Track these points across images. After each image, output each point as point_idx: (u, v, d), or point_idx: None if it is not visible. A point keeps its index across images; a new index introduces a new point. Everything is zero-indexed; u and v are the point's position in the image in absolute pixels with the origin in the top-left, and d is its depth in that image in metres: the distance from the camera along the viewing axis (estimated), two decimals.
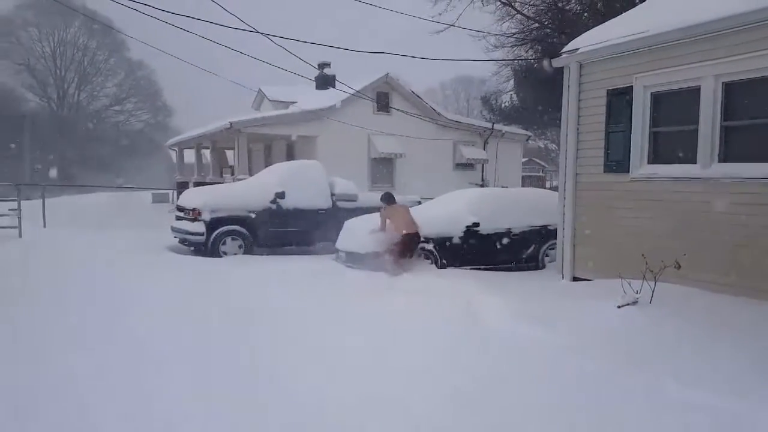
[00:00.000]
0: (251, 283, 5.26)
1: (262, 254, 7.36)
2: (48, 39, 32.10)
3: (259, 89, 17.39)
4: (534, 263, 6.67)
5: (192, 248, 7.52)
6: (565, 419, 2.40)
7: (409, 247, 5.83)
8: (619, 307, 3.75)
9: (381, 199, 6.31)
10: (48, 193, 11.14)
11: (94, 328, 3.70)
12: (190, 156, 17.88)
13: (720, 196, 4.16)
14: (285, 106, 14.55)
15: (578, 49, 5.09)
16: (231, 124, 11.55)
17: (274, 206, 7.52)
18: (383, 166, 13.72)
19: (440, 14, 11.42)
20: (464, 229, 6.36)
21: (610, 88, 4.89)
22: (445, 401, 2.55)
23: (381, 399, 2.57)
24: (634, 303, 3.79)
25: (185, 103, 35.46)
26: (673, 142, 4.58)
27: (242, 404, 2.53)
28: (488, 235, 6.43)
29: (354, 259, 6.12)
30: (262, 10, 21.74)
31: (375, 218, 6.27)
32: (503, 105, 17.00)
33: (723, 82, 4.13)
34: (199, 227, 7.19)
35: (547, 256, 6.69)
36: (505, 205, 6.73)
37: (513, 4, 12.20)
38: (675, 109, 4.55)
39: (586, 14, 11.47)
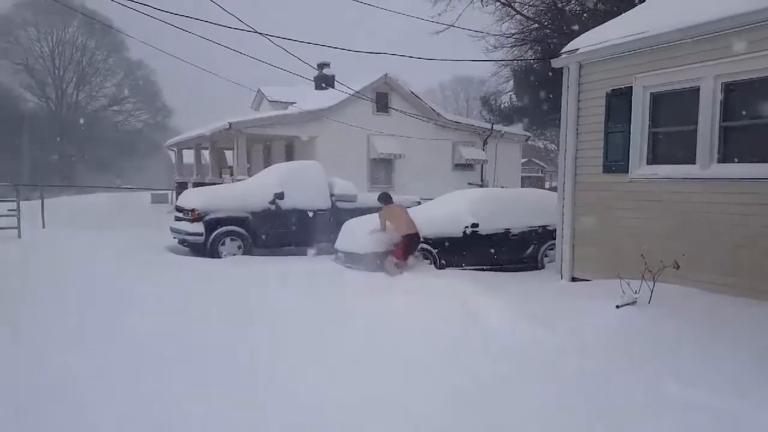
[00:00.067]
0: (250, 283, 5.26)
1: (261, 255, 7.35)
2: (47, 39, 32.06)
3: (258, 89, 17.38)
4: (533, 264, 6.67)
5: (190, 249, 7.51)
6: (565, 419, 2.40)
7: (410, 247, 5.83)
8: (618, 307, 3.76)
9: (378, 199, 6.31)
10: (47, 193, 11.13)
11: (94, 328, 3.69)
12: (189, 156, 17.87)
13: (719, 196, 4.17)
14: (284, 106, 14.54)
15: (578, 49, 5.10)
16: (230, 124, 11.54)
17: (273, 207, 7.52)
18: (382, 167, 13.73)
19: (440, 14, 11.45)
20: (463, 229, 6.37)
21: (610, 88, 4.90)
22: (445, 401, 2.55)
23: (381, 399, 2.57)
24: (633, 303, 3.80)
25: (184, 104, 35.47)
26: (672, 143, 4.59)
27: (242, 404, 2.53)
28: (487, 235, 6.43)
29: (353, 260, 6.12)
30: (261, 10, 21.77)
31: (374, 219, 6.27)
32: (502, 105, 17.01)
33: (722, 83, 4.13)
34: (198, 228, 7.18)
35: (546, 256, 6.70)
36: (504, 205, 6.74)
37: (512, 4, 12.23)
38: (674, 110, 4.56)
39: (585, 15, 11.49)
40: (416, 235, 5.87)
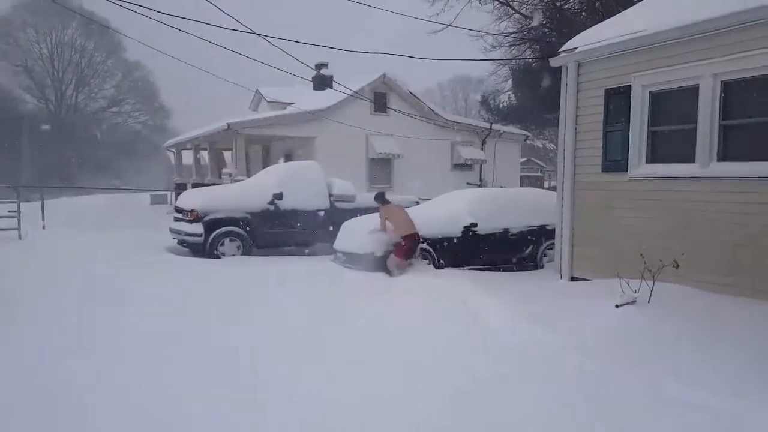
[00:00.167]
0: (249, 283, 5.25)
1: (260, 255, 7.35)
2: (45, 40, 32.04)
3: (257, 90, 17.37)
4: (532, 263, 6.67)
5: (190, 249, 7.50)
6: (565, 419, 2.39)
7: (412, 247, 5.82)
8: (617, 306, 3.75)
9: (375, 199, 6.29)
10: (47, 194, 11.12)
11: (94, 328, 3.69)
12: (188, 157, 17.86)
13: (719, 195, 4.16)
14: (283, 106, 14.53)
15: (576, 48, 5.10)
16: (228, 125, 11.53)
17: (272, 207, 7.51)
18: (381, 167, 13.72)
19: (438, 14, 11.46)
20: (462, 229, 6.36)
21: (609, 87, 4.90)
22: (445, 401, 2.55)
23: (381, 399, 2.57)
24: (633, 303, 3.79)
25: (183, 105, 35.48)
26: (671, 142, 4.59)
27: (242, 404, 2.53)
28: (486, 235, 6.43)
29: (352, 260, 6.11)
30: (258, 10, 21.74)
31: (373, 219, 6.26)
32: (501, 105, 17.02)
33: (722, 81, 4.13)
34: (198, 228, 7.18)
35: (545, 256, 6.69)
36: (503, 205, 6.73)
37: (511, 3, 12.22)
38: (673, 108, 4.55)
39: (584, 13, 11.49)
40: (416, 234, 5.86)
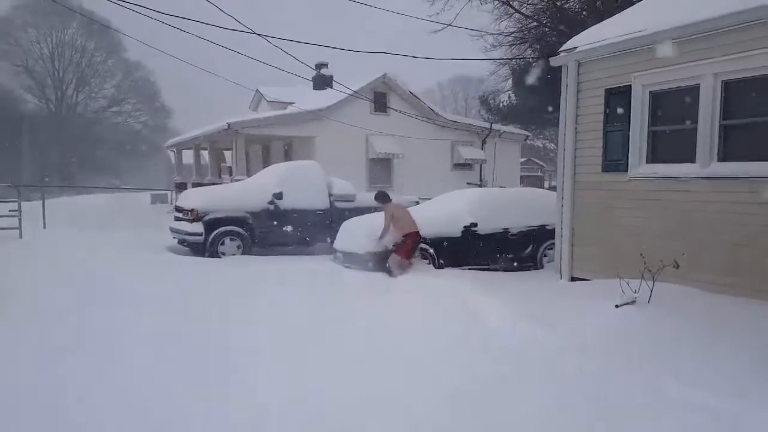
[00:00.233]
0: (249, 283, 5.26)
1: (260, 255, 7.35)
2: (46, 40, 32.07)
3: (257, 90, 17.37)
4: (532, 263, 6.67)
5: (190, 248, 7.50)
6: (565, 419, 2.39)
7: (414, 247, 5.80)
8: (617, 306, 3.75)
9: (375, 198, 6.24)
10: (47, 194, 11.13)
11: (94, 327, 3.69)
12: (188, 157, 17.88)
13: (719, 195, 4.16)
14: (283, 106, 14.53)
15: (576, 47, 5.09)
16: (229, 125, 11.54)
17: (272, 207, 7.52)
18: (381, 167, 13.72)
19: (438, 14, 11.45)
20: (462, 229, 6.36)
21: (609, 87, 4.89)
22: (445, 401, 2.55)
23: (381, 399, 2.57)
24: (633, 303, 3.79)
25: (183, 105, 35.48)
26: (671, 141, 4.58)
27: (241, 404, 2.53)
28: (486, 235, 6.43)
29: (352, 260, 6.11)
30: (258, 10, 21.73)
31: (373, 218, 6.25)
32: (501, 104, 17.01)
33: (722, 81, 4.13)
34: (198, 228, 7.18)
35: (545, 256, 6.69)
36: (502, 205, 6.73)
37: (511, 2, 12.21)
38: (674, 108, 4.55)
39: (584, 13, 11.48)
40: (418, 233, 5.84)
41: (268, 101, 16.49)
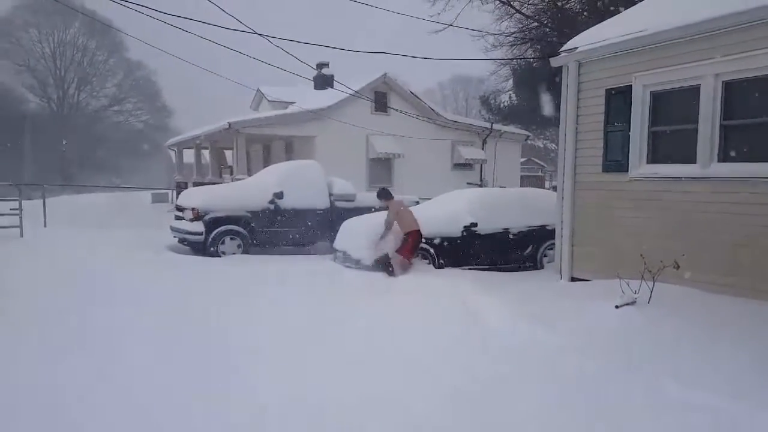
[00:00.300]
0: (250, 282, 5.26)
1: (260, 254, 7.36)
2: (48, 39, 32.14)
3: (258, 89, 17.38)
4: (532, 263, 6.66)
5: (190, 248, 7.51)
6: (565, 419, 2.39)
7: (416, 245, 5.79)
8: (617, 307, 3.75)
9: (378, 196, 6.20)
10: (48, 192, 11.14)
11: (94, 327, 3.69)
12: (189, 156, 17.89)
13: (719, 195, 4.15)
14: (283, 106, 14.54)
15: (577, 48, 5.09)
16: (230, 124, 11.55)
17: (272, 206, 7.52)
18: (381, 167, 13.72)
19: (438, 14, 11.44)
20: (462, 229, 6.35)
21: (609, 87, 4.89)
22: (445, 401, 2.55)
23: (381, 399, 2.57)
24: (633, 303, 3.79)
25: (184, 104, 35.50)
26: (672, 142, 4.58)
27: (241, 404, 2.53)
28: (486, 235, 6.43)
29: (352, 259, 6.11)
30: (259, 10, 21.75)
31: (373, 218, 6.25)
32: (502, 105, 17.00)
33: (723, 81, 4.12)
34: (198, 227, 7.19)
35: (545, 256, 6.69)
36: (503, 205, 6.73)
37: (512, 3, 12.21)
38: (674, 109, 4.54)
39: (585, 13, 11.46)
40: (420, 232, 5.83)
41: (269, 101, 16.50)
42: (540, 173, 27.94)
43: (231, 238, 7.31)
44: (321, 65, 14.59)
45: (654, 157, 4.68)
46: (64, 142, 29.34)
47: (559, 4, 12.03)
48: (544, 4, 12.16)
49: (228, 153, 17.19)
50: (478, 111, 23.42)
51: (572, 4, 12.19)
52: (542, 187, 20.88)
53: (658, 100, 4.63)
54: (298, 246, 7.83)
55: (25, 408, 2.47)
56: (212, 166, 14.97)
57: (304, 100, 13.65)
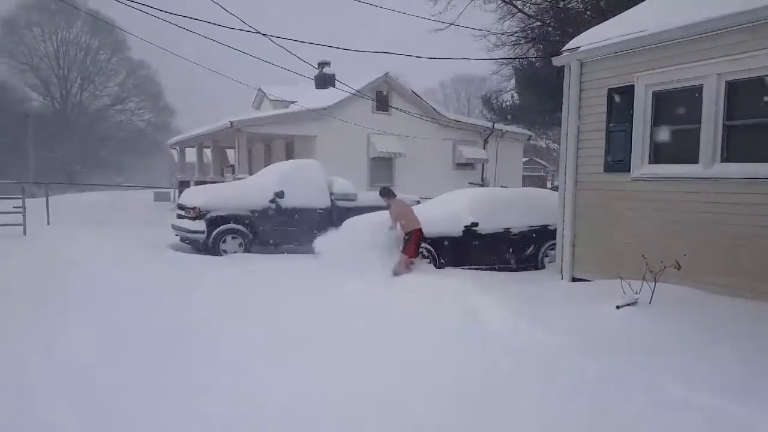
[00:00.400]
0: (250, 281, 5.27)
1: (261, 253, 7.37)
2: (51, 38, 32.27)
3: (259, 89, 17.42)
4: (533, 263, 6.65)
5: (192, 246, 7.54)
6: (565, 419, 2.39)
7: (418, 244, 5.78)
8: (618, 307, 3.74)
9: (380, 194, 6.17)
10: (51, 191, 11.20)
11: (95, 325, 3.71)
12: (191, 155, 17.94)
13: (722, 196, 4.13)
14: (285, 105, 14.56)
15: (579, 47, 5.07)
16: (231, 123, 11.57)
17: (273, 205, 7.54)
18: (382, 166, 13.71)
19: (440, 13, 11.42)
20: (463, 228, 6.34)
21: (611, 86, 4.87)
22: (445, 401, 2.55)
23: (381, 399, 2.57)
24: (634, 303, 3.78)
25: (186, 103, 35.62)
26: (674, 142, 4.56)
27: (241, 403, 2.54)
28: (487, 235, 6.41)
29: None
30: (260, 9, 21.78)
31: (374, 217, 6.24)
32: (504, 104, 16.95)
33: (726, 81, 4.10)
34: (200, 225, 7.21)
35: (546, 256, 6.67)
36: (504, 204, 6.71)
37: (514, 2, 12.17)
38: (677, 108, 4.52)
39: (588, 12, 11.42)
40: (421, 231, 5.82)
41: (270, 100, 16.53)
42: (542, 173, 27.88)
43: (232, 237, 7.32)
44: (322, 64, 14.59)
45: (656, 157, 4.66)
46: (61, 153, 29.49)
47: (562, 3, 11.99)
48: (546, 3, 12.12)
49: (230, 152, 17.22)
50: (479, 110, 23.37)
51: (575, 3, 12.14)
52: (544, 187, 20.83)
53: (661, 100, 4.61)
54: (300, 245, 7.84)
55: (26, 406, 2.48)
56: (214, 165, 15.01)
57: (306, 99, 13.65)
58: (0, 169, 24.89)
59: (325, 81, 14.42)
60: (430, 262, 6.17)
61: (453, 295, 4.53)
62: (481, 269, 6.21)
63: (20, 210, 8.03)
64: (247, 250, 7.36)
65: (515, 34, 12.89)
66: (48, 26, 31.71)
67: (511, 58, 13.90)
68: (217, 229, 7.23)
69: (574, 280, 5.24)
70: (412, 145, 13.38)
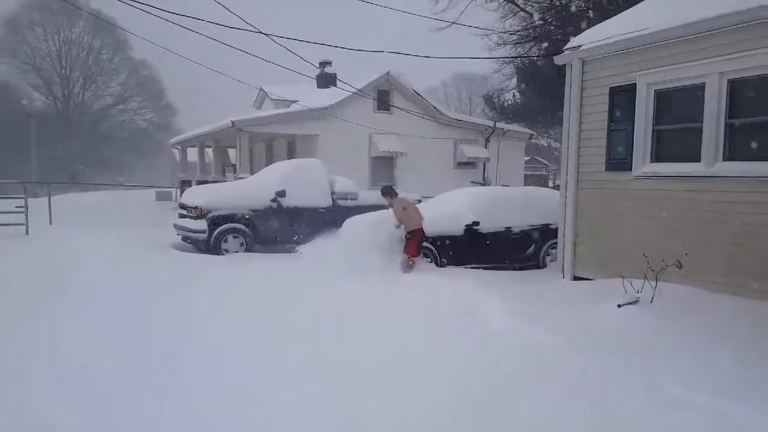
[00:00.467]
0: (251, 280, 5.28)
1: (263, 252, 7.39)
2: (53, 38, 32.35)
3: (261, 88, 17.41)
4: (535, 262, 6.65)
5: (194, 245, 7.56)
6: (565, 419, 2.39)
7: (420, 243, 5.78)
8: (620, 306, 3.73)
9: (382, 193, 6.18)
10: (54, 190, 11.24)
11: (96, 324, 3.72)
12: (193, 154, 17.97)
13: (724, 194, 4.12)
14: (286, 104, 14.56)
15: (581, 46, 5.06)
16: (233, 123, 11.58)
17: (274, 205, 7.55)
18: (384, 165, 13.71)
19: (442, 11, 11.41)
20: (464, 227, 6.34)
21: (613, 85, 4.86)
22: (445, 401, 2.55)
23: (381, 398, 2.57)
24: (635, 302, 3.77)
25: (188, 103, 35.68)
26: (676, 140, 4.54)
27: (241, 403, 2.55)
28: (489, 233, 6.41)
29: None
30: (261, 8, 21.78)
31: (375, 216, 6.24)
32: (506, 103, 16.92)
33: (728, 80, 4.08)
34: (201, 225, 7.23)
35: (548, 255, 6.66)
36: (505, 203, 6.71)
37: (516, 1, 12.13)
38: (679, 107, 4.51)
39: (590, 11, 11.38)
40: (423, 230, 5.81)
41: (271, 99, 16.53)
42: (544, 172, 27.80)
43: (234, 236, 7.33)
44: (324, 64, 14.58)
45: (658, 156, 4.65)
46: (63, 152, 29.58)
47: (564, 1, 11.95)
48: (547, 2, 12.08)
49: (231, 151, 17.24)
50: (481, 109, 23.31)
51: (577, 1, 12.10)
52: (546, 185, 20.78)
53: (662, 98, 4.60)
54: (301, 244, 7.85)
55: (25, 406, 2.50)
56: (216, 164, 15.04)
57: (307, 98, 13.65)
58: (2, 168, 25.01)
59: (326, 80, 14.41)
60: (431, 261, 6.17)
61: (454, 294, 4.53)
62: (483, 268, 6.21)
63: (23, 209, 8.06)
64: (248, 250, 7.37)
65: (517, 33, 12.86)
66: (50, 26, 31.80)
67: (512, 57, 13.87)
68: (219, 229, 7.24)
69: (576, 279, 5.24)
70: (414, 144, 13.37)
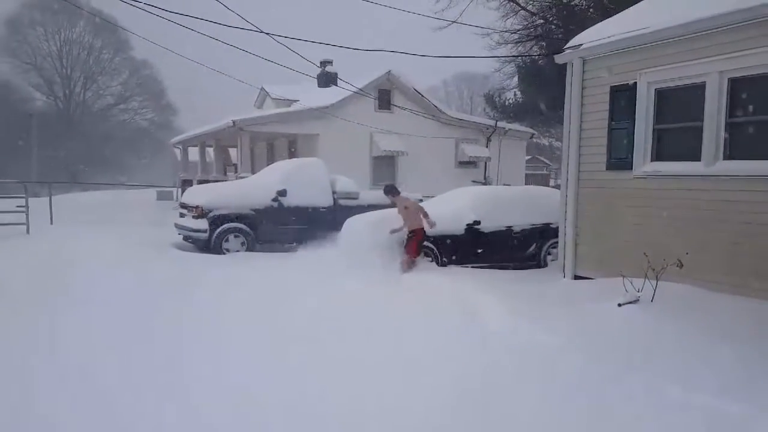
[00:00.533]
0: (251, 280, 5.29)
1: (264, 251, 7.40)
2: (54, 38, 32.40)
3: (262, 87, 17.42)
4: (535, 261, 6.64)
5: (195, 245, 7.57)
6: (565, 419, 2.39)
7: (421, 243, 5.77)
8: (620, 305, 3.73)
9: (385, 192, 6.16)
10: (55, 190, 11.26)
11: (96, 324, 3.73)
12: (194, 154, 18.00)
13: (724, 194, 4.11)
14: (287, 104, 14.57)
15: (581, 45, 5.05)
16: (234, 122, 11.60)
17: (275, 204, 7.55)
18: (385, 164, 13.71)
19: (443, 10, 11.39)
20: (465, 226, 6.34)
21: (614, 84, 4.85)
22: (445, 401, 2.55)
23: (381, 399, 2.58)
24: (636, 302, 3.77)
25: (189, 102, 35.70)
26: (677, 140, 4.53)
27: (241, 403, 2.55)
28: (489, 233, 6.41)
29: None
30: (262, 8, 21.76)
31: (376, 216, 6.24)
32: (507, 102, 16.89)
33: (728, 78, 4.07)
34: (202, 224, 7.24)
35: (548, 254, 6.66)
36: (506, 203, 6.70)
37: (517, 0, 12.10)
38: (679, 106, 4.50)
39: (591, 10, 11.35)
40: (423, 229, 5.81)
41: (272, 99, 16.54)
42: (545, 171, 27.77)
43: (235, 236, 7.35)
44: (325, 63, 14.57)
45: (658, 155, 4.64)
46: (64, 152, 29.63)
47: (565, 0, 11.92)
48: (549, 0, 12.05)
49: (232, 151, 17.26)
50: (482, 108, 23.29)
51: (578, 0, 12.07)
52: (547, 185, 20.74)
53: (663, 97, 4.59)
54: (302, 244, 7.86)
55: (26, 405, 2.51)
56: (216, 164, 15.05)
57: (308, 97, 13.66)
58: (3, 168, 25.08)
59: (327, 79, 14.39)
60: (432, 261, 6.17)
61: (454, 294, 4.53)
62: (484, 267, 6.21)
63: (23, 209, 8.07)
64: (249, 249, 7.38)
65: (518, 32, 12.83)
66: (51, 25, 31.85)
67: (513, 56, 13.83)
68: (220, 228, 7.25)
69: (577, 278, 5.23)
70: (415, 143, 13.36)
